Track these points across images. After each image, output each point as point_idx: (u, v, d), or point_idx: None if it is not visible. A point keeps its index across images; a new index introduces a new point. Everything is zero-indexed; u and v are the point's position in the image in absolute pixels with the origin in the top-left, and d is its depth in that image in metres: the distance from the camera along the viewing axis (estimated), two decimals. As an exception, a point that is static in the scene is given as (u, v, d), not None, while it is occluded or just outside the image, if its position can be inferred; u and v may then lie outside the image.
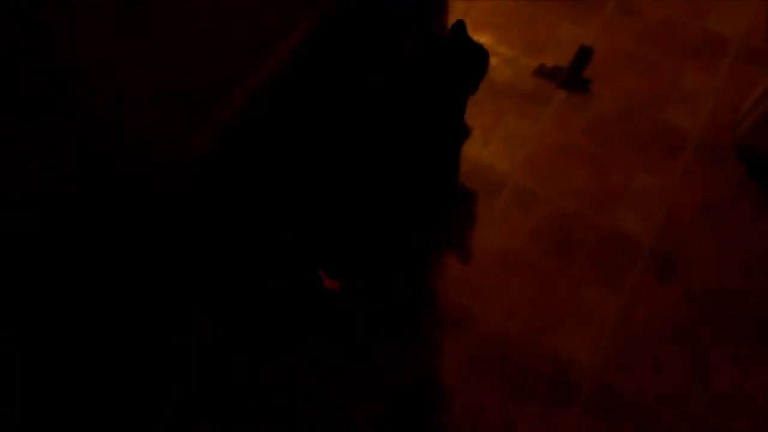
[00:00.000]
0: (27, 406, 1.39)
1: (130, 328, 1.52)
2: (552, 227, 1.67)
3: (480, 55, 1.66)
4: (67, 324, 1.49)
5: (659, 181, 1.76)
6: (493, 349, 1.47)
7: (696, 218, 1.69)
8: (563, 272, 1.60)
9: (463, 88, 1.70)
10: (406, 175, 1.75)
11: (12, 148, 1.19)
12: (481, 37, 2.10)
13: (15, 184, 1.22)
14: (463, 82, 1.68)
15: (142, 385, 1.45)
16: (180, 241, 1.65)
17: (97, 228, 1.48)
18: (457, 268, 1.60)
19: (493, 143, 1.84)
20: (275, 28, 1.83)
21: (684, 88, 1.95)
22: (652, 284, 1.57)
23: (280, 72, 1.89)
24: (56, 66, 1.19)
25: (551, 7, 2.17)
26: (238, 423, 1.39)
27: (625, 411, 1.39)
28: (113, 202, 1.50)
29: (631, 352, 1.47)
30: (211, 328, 1.51)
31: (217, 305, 1.55)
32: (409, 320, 1.52)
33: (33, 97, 1.18)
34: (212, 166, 1.76)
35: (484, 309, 1.53)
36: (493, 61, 2.03)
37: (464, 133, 1.82)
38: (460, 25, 1.66)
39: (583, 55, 2.01)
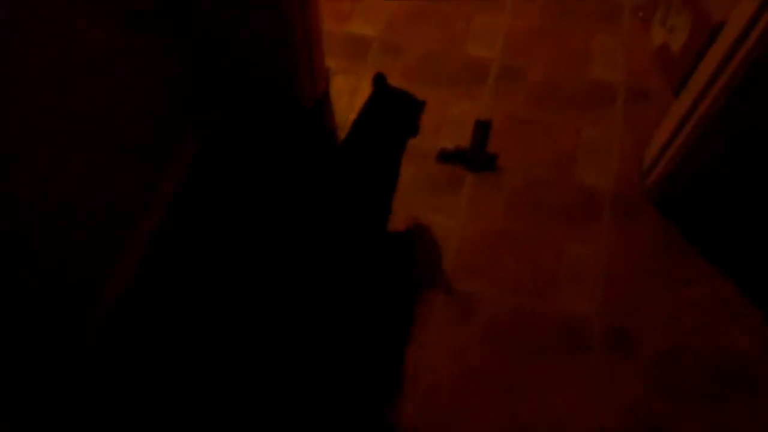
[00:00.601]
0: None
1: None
2: (498, 331, 1.58)
3: (407, 100, 1.58)
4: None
5: (589, 248, 1.72)
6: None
7: (634, 279, 1.66)
8: (523, 377, 1.50)
9: (399, 138, 1.60)
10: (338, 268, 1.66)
11: None
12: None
13: None
14: (398, 131, 1.59)
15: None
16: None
17: None
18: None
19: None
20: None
21: (585, 144, 1.94)
22: (614, 364, 1.52)
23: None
24: None
25: (438, 85, 2.10)
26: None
27: None
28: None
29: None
30: None
31: None
32: None
33: None
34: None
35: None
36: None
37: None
38: (380, 78, 1.59)
39: (482, 128, 1.96)
